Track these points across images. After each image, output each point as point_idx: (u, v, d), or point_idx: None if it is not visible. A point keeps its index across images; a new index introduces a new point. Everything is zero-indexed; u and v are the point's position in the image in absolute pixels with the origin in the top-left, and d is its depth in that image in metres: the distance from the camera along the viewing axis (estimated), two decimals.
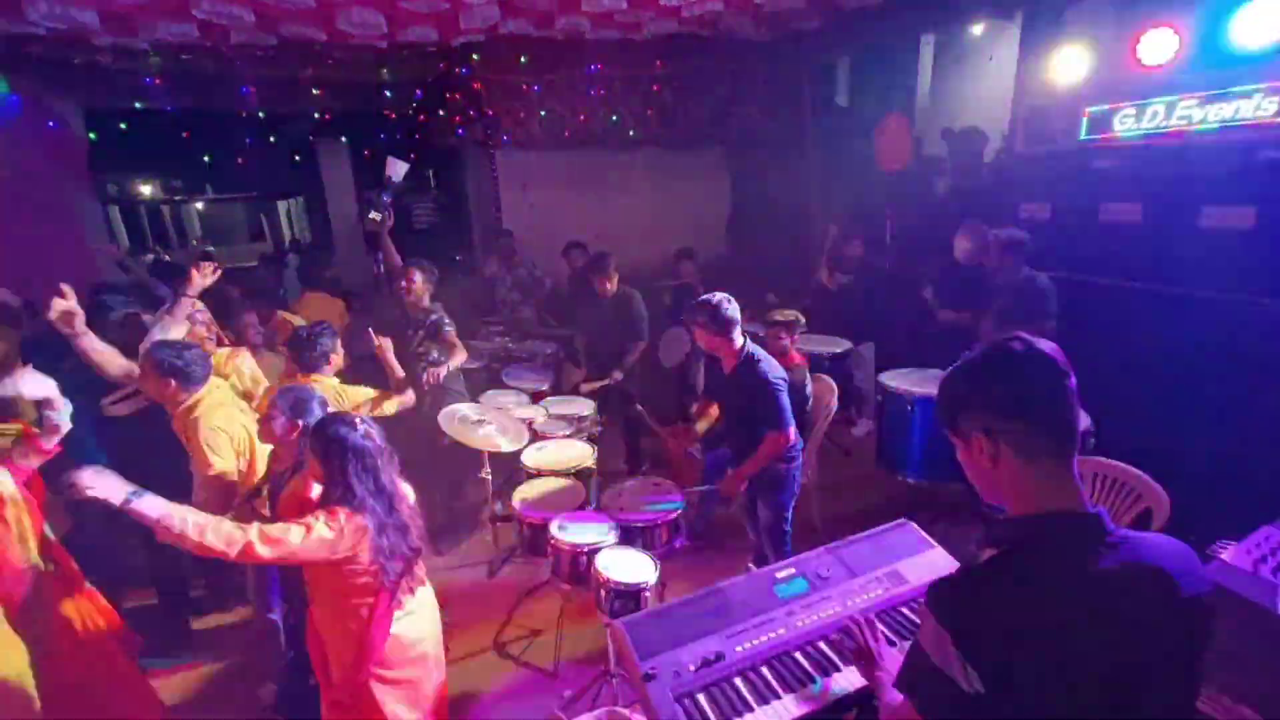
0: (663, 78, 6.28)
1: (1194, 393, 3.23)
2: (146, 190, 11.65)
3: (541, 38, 5.49)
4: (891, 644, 1.58)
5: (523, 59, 5.78)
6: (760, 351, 2.77)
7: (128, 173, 10.79)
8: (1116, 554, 0.90)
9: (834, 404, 3.65)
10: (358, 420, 1.87)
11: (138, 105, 5.80)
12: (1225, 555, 1.71)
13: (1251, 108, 3.09)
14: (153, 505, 1.66)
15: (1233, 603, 1.59)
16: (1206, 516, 2.31)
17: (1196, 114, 3.32)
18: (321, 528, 1.74)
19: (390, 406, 3.03)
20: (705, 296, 2.73)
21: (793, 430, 2.72)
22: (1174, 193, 3.40)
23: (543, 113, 6.18)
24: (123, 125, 6.24)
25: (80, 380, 2.48)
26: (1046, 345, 0.95)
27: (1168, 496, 2.37)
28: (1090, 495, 2.58)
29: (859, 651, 1.41)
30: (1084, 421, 3.01)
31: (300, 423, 2.17)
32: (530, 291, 5.64)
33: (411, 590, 1.96)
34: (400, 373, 3.13)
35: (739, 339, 2.73)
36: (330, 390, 2.78)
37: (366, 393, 2.99)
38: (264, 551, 1.69)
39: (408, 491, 2.03)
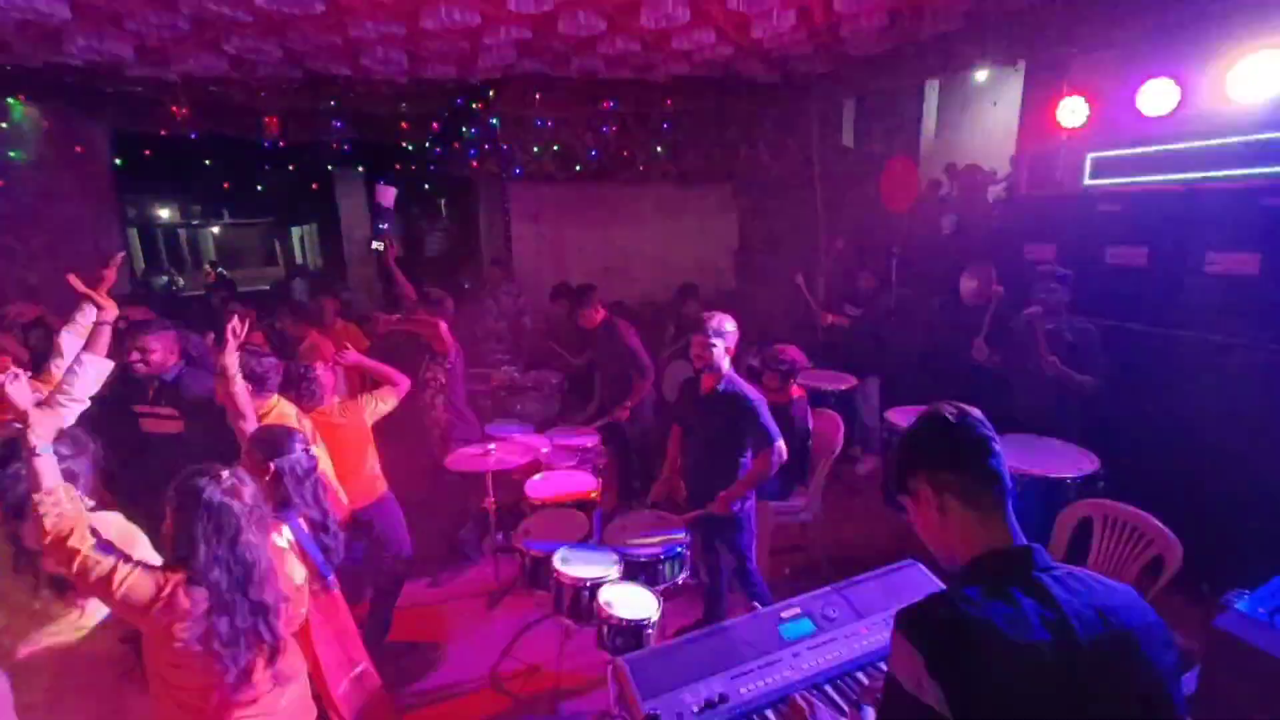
0: (673, 116, 6.45)
1: (1203, 436, 3.20)
2: (165, 214, 11.93)
3: (557, 77, 5.67)
4: (857, 708, 1.54)
5: (538, 96, 5.96)
6: (738, 377, 2.82)
7: (148, 196, 11.06)
8: (1053, 583, 0.99)
9: (840, 440, 3.63)
10: (226, 474, 1.57)
11: (163, 132, 5.99)
12: (1240, 605, 1.68)
13: (1251, 158, 3.16)
14: (52, 468, 1.50)
15: (1247, 654, 1.56)
16: (1219, 565, 2.28)
17: (1197, 162, 3.38)
18: (138, 577, 1.46)
19: (385, 404, 3.07)
20: (708, 314, 2.82)
21: (781, 444, 2.73)
22: (1179, 238, 3.43)
23: (555, 147, 6.34)
24: (147, 151, 6.44)
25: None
26: (971, 408, 1.12)
27: (1179, 544, 2.34)
28: (1100, 538, 2.56)
29: None
30: (1092, 463, 2.99)
31: (271, 465, 2.01)
32: (513, 321, 5.70)
33: (269, 688, 1.62)
34: (381, 369, 3.20)
35: (727, 359, 2.77)
36: (334, 413, 2.82)
37: (370, 397, 3.07)
38: (74, 559, 1.45)
39: (292, 575, 1.77)
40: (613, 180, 6.64)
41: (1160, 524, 2.40)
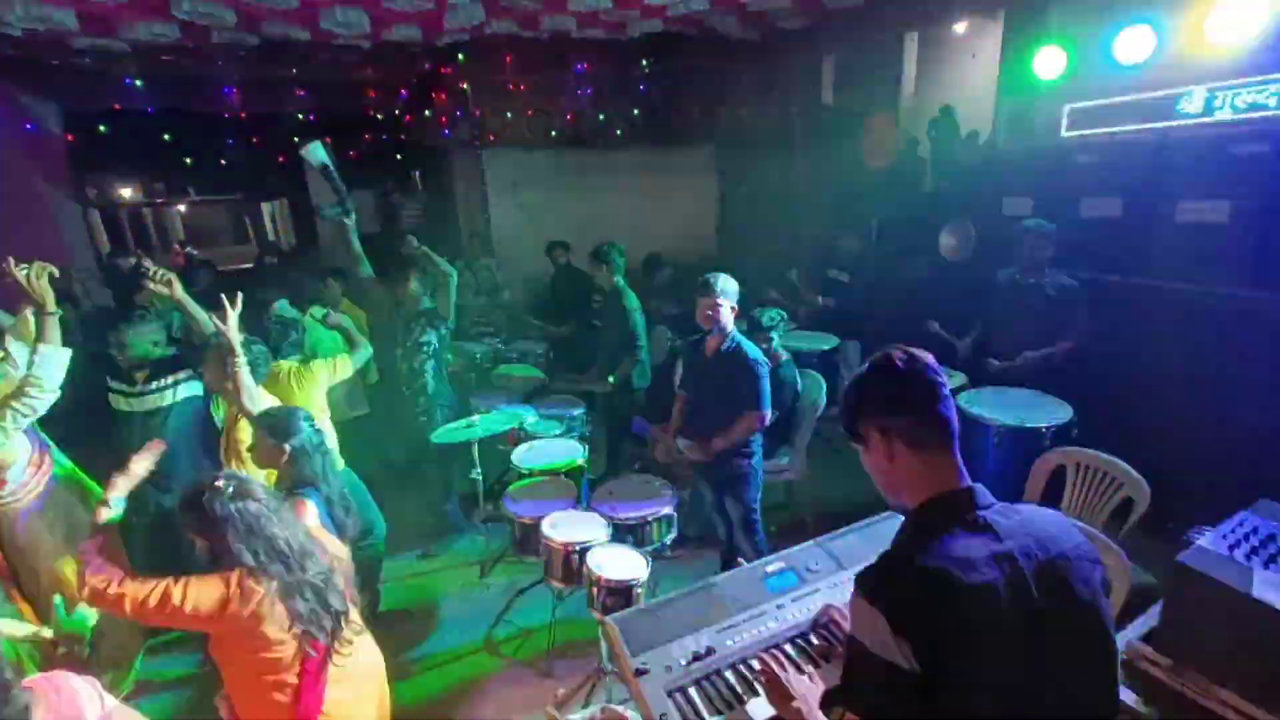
0: (650, 77, 6.30)
1: (1172, 383, 3.29)
2: (127, 193, 11.48)
3: (527, 38, 5.48)
4: (817, 664, 1.56)
5: (509, 58, 5.77)
6: (743, 337, 2.85)
7: (108, 175, 10.62)
8: (996, 519, 1.03)
9: (822, 399, 3.68)
10: (222, 481, 1.60)
11: (118, 106, 5.73)
12: (1202, 541, 1.75)
13: (1225, 103, 3.16)
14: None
15: (1209, 586, 1.63)
16: (1185, 504, 2.37)
17: (1172, 110, 3.38)
18: (196, 585, 1.54)
19: (346, 367, 3.06)
20: (711, 275, 2.80)
21: (769, 413, 2.78)
22: (1152, 187, 3.46)
23: (530, 112, 6.17)
24: (102, 127, 6.16)
25: None
26: (923, 353, 1.11)
27: (1148, 485, 2.42)
28: (1073, 484, 2.65)
29: (769, 685, 1.35)
30: (1065, 412, 3.07)
31: (286, 446, 2.06)
32: (493, 295, 5.63)
33: (349, 646, 1.72)
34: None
35: (731, 319, 2.79)
36: (289, 372, 2.87)
37: (325, 364, 3.03)
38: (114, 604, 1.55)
39: (329, 544, 1.82)
40: (591, 145, 6.50)
41: (1129, 467, 2.48)
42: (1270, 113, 3.00)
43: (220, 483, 1.59)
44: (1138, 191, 3.53)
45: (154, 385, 2.83)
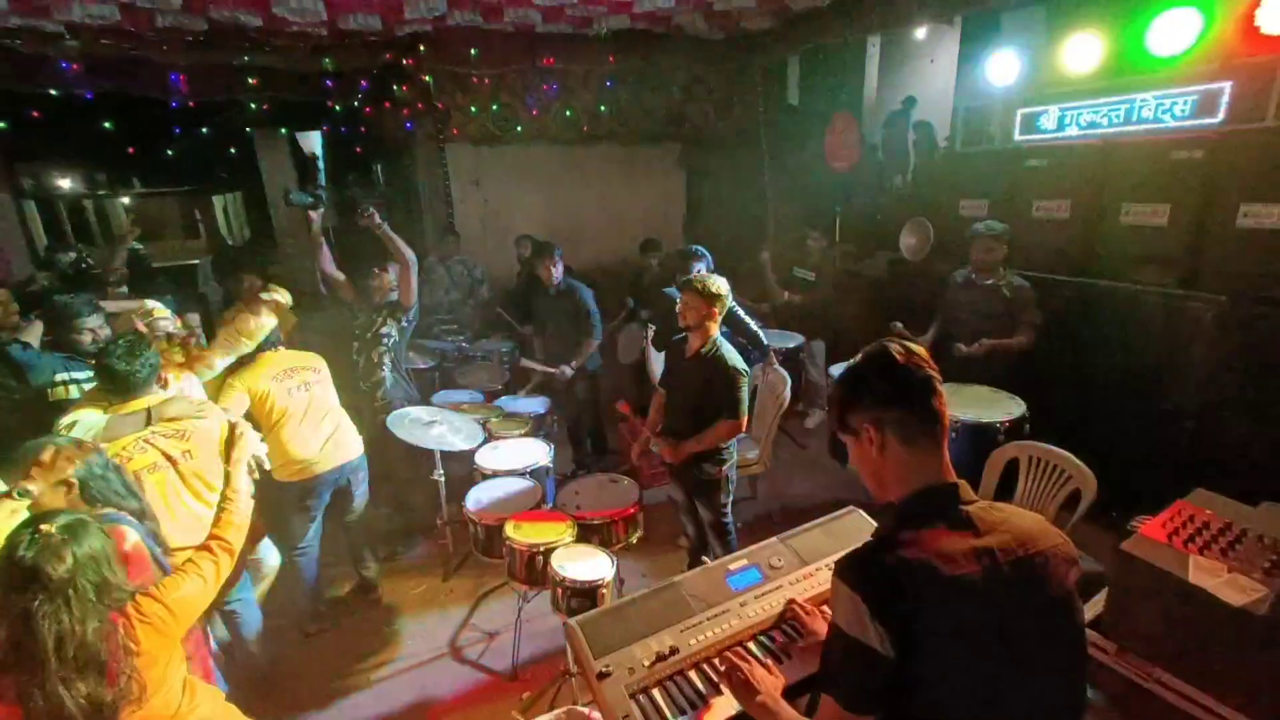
0: (616, 74, 6.26)
1: (1117, 379, 3.43)
2: (66, 184, 10.88)
3: (492, 30, 5.38)
4: (778, 660, 1.58)
5: (473, 51, 5.65)
6: (725, 342, 2.79)
7: (45, 165, 10.04)
8: (978, 514, 1.05)
9: (787, 395, 3.72)
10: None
11: (53, 92, 5.39)
12: (1143, 529, 1.82)
13: (1163, 111, 3.31)
14: None
15: (1150, 572, 1.70)
16: (1128, 494, 2.47)
17: (1114, 117, 3.53)
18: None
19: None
20: (699, 274, 2.78)
21: (744, 421, 2.76)
22: (1098, 191, 3.60)
23: (495, 107, 6.07)
24: (36, 113, 5.80)
25: None
26: (917, 346, 1.12)
27: (1095, 477, 2.52)
28: (1025, 476, 2.73)
29: (733, 684, 1.36)
30: (1019, 408, 3.17)
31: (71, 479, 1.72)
32: (470, 292, 5.53)
33: None
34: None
35: (716, 322, 2.75)
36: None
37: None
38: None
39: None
40: (556, 141, 6.43)
41: (1077, 460, 2.58)
42: (1208, 120, 3.15)
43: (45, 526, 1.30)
44: (1084, 194, 3.66)
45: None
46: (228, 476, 2.02)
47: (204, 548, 1.76)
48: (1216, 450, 3.04)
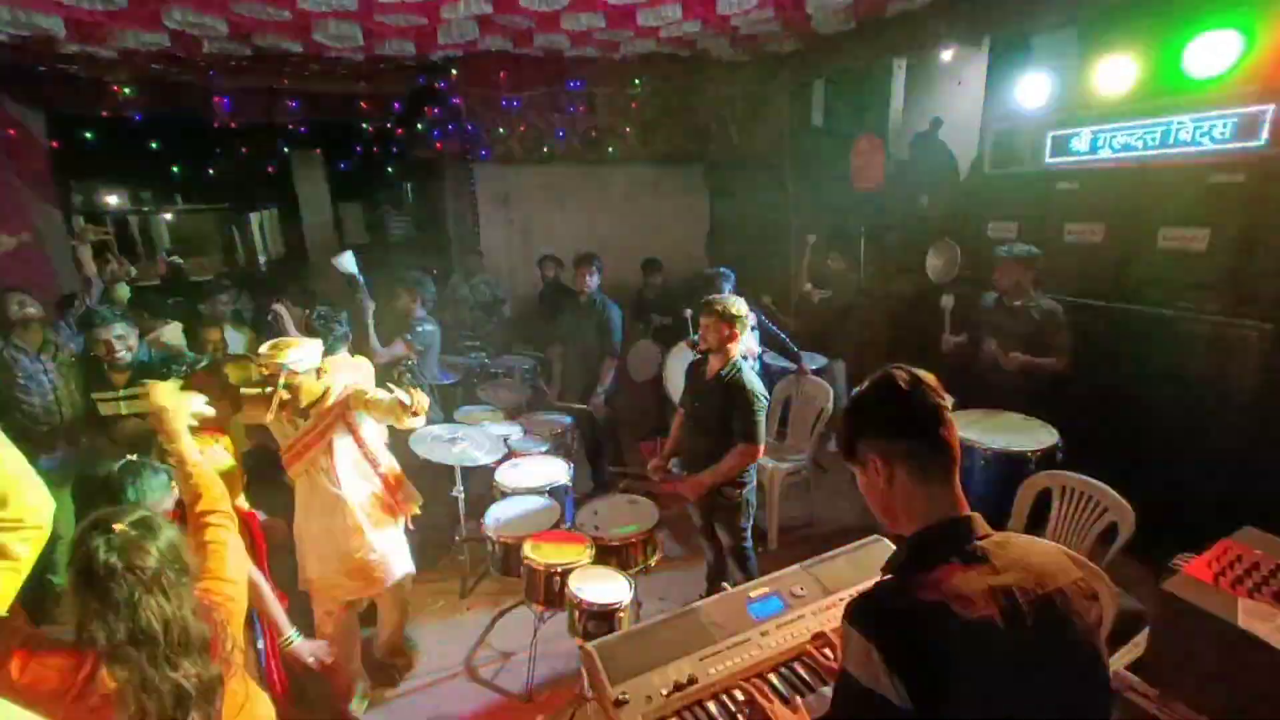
0: (642, 95, 6.35)
1: (1155, 408, 3.31)
2: (113, 201, 11.37)
3: (521, 54, 5.51)
4: (801, 694, 1.53)
5: (503, 75, 5.80)
6: (747, 366, 2.76)
7: (94, 183, 10.51)
8: (992, 550, 1.00)
9: (829, 405, 3.67)
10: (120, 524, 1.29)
11: (105, 114, 5.67)
12: (1186, 568, 1.74)
13: (1202, 134, 3.23)
14: None
15: (1193, 614, 1.61)
16: (1170, 530, 2.36)
17: (1150, 140, 3.45)
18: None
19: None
20: (718, 296, 2.79)
21: (763, 448, 2.72)
22: (1134, 214, 3.51)
23: (522, 128, 6.19)
24: (89, 134, 6.09)
25: None
26: (925, 374, 1.06)
27: (1133, 510, 2.41)
28: (1058, 508, 2.64)
29: (752, 716, 1.34)
30: (1051, 436, 3.07)
31: None
32: (491, 310, 5.60)
33: None
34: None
35: (737, 344, 2.73)
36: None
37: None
38: None
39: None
40: (582, 162, 6.52)
41: (1114, 493, 2.48)
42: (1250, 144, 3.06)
43: (118, 526, 1.25)
44: (1119, 218, 3.57)
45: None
46: (176, 454, 1.75)
47: (202, 525, 1.59)
48: (1264, 485, 2.90)
